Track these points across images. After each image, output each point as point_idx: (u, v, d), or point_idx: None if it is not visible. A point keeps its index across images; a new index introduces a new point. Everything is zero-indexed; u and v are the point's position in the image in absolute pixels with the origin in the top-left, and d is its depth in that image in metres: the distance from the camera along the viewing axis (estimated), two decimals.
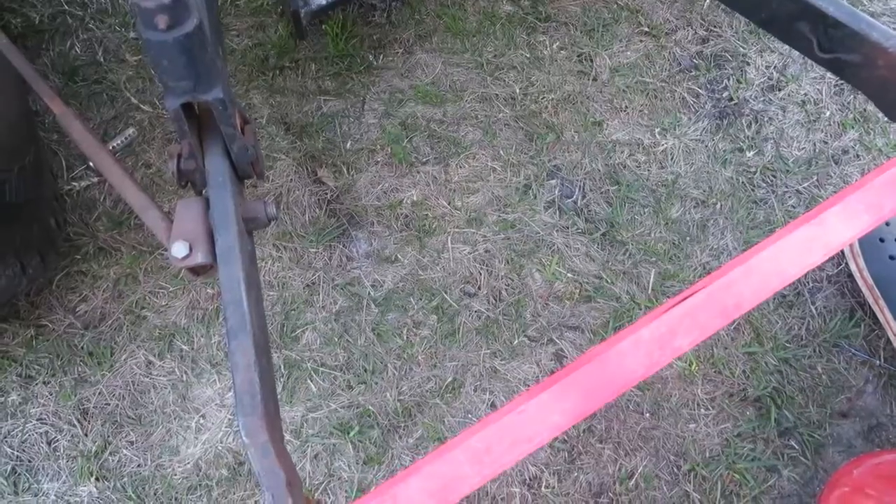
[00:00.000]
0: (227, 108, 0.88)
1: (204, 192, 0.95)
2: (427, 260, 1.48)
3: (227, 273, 0.84)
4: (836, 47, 1.05)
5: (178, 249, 0.85)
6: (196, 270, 0.89)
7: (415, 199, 1.53)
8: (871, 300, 1.42)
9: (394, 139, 1.57)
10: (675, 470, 1.33)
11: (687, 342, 0.82)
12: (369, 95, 1.62)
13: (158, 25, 0.77)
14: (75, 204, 1.50)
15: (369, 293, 1.45)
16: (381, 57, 1.66)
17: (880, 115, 1.58)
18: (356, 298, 1.44)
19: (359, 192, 1.53)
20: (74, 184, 1.51)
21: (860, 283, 1.44)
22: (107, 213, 1.49)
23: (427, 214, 1.52)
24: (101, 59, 1.63)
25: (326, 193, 1.53)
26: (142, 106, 1.58)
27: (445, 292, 1.45)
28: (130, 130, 1.54)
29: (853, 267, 1.44)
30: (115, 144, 1.52)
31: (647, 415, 1.38)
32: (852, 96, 1.61)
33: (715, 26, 1.69)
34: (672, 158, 1.57)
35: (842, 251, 1.49)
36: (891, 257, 1.39)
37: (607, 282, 1.47)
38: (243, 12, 1.71)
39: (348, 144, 1.57)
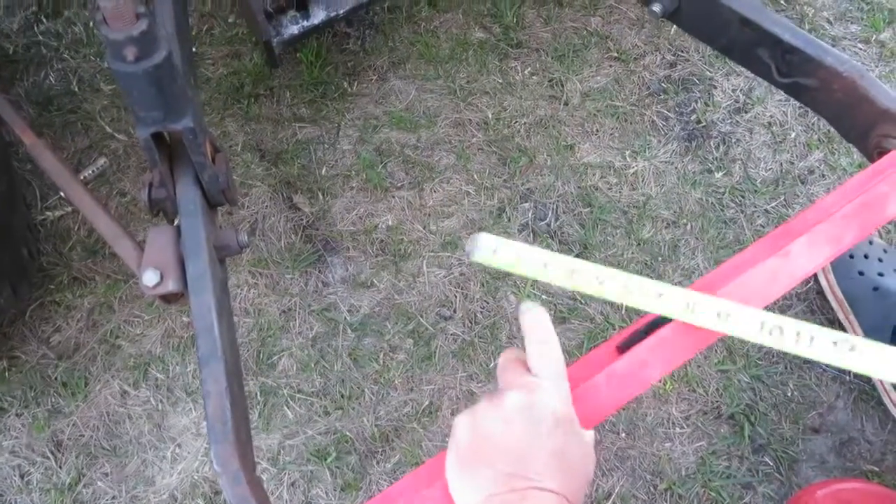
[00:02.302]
0: (196, 137, 0.89)
1: (176, 220, 0.95)
2: (402, 284, 1.49)
3: (197, 301, 0.84)
4: (793, 72, 1.08)
5: (149, 277, 0.86)
6: (168, 298, 0.89)
7: (390, 223, 1.55)
8: (841, 316, 1.45)
9: (369, 165, 1.59)
10: (652, 489, 1.34)
11: (658, 373, 0.84)
12: (344, 122, 1.64)
13: (127, 57, 0.78)
14: (49, 233, 1.49)
15: (345, 318, 1.45)
16: (356, 84, 1.68)
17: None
18: (332, 324, 1.44)
19: (334, 218, 1.54)
20: (48, 213, 1.51)
21: (831, 298, 1.46)
22: (81, 242, 1.49)
23: (402, 239, 1.53)
24: (76, 89, 1.64)
25: (302, 219, 1.54)
26: (116, 135, 1.59)
27: (421, 316, 1.46)
28: (102, 160, 1.54)
29: (823, 283, 1.47)
30: (86, 174, 1.52)
31: (623, 434, 1.39)
32: (816, 118, 1.65)
33: (682, 51, 1.73)
34: (643, 180, 1.60)
35: None
36: (860, 273, 1.42)
37: (581, 303, 1.48)
38: (218, 41, 1.72)
39: (323, 170, 1.59)
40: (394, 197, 1.57)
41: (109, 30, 0.77)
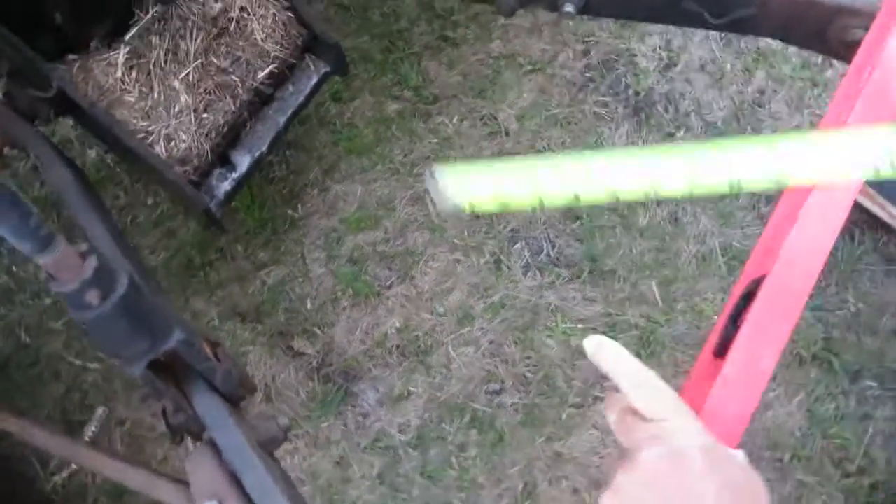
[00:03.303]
0: (193, 345, 0.80)
1: (205, 436, 0.85)
2: (439, 379, 1.40)
3: None
4: (728, 9, 1.04)
5: None
6: None
7: (398, 325, 1.46)
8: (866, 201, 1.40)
9: (349, 279, 1.51)
10: (778, 464, 1.26)
11: (772, 359, 0.77)
12: (305, 248, 1.56)
13: (92, 302, 0.69)
14: (66, 497, 1.36)
15: (400, 440, 1.35)
16: (300, 206, 1.60)
17: (776, 45, 1.61)
18: (390, 452, 1.34)
19: (341, 346, 1.45)
20: (56, 478, 1.38)
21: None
22: (103, 491, 1.36)
23: (416, 335, 1.44)
24: (27, 340, 1.52)
25: (311, 362, 1.44)
26: (89, 366, 1.47)
27: (472, 401, 1.37)
28: (100, 411, 1.42)
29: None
30: (90, 433, 1.39)
31: None
32: (741, 41, 1.63)
33: (589, 36, 1.71)
34: None
35: None
36: None
37: (618, 315, 1.41)
38: (145, 228, 1.63)
39: (308, 304, 1.50)
40: (388, 298, 1.49)
41: (61, 283, 0.68)
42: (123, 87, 1.05)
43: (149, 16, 1.08)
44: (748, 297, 0.86)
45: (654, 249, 1.46)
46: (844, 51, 1.02)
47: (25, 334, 1.53)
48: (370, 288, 1.49)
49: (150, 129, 1.06)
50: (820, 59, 1.58)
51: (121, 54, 1.06)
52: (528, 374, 1.38)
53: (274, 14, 1.14)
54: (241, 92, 1.13)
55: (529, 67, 1.69)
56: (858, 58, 0.94)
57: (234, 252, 1.57)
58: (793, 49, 1.60)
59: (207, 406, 0.83)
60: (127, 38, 1.07)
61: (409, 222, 1.55)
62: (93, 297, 0.69)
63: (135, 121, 1.05)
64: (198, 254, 1.57)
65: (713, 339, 0.86)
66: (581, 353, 1.37)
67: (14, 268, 1.61)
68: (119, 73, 1.05)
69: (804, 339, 1.34)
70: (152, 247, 1.59)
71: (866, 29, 0.98)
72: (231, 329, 1.49)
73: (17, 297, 1.58)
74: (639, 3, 1.07)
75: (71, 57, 1.05)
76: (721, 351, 0.84)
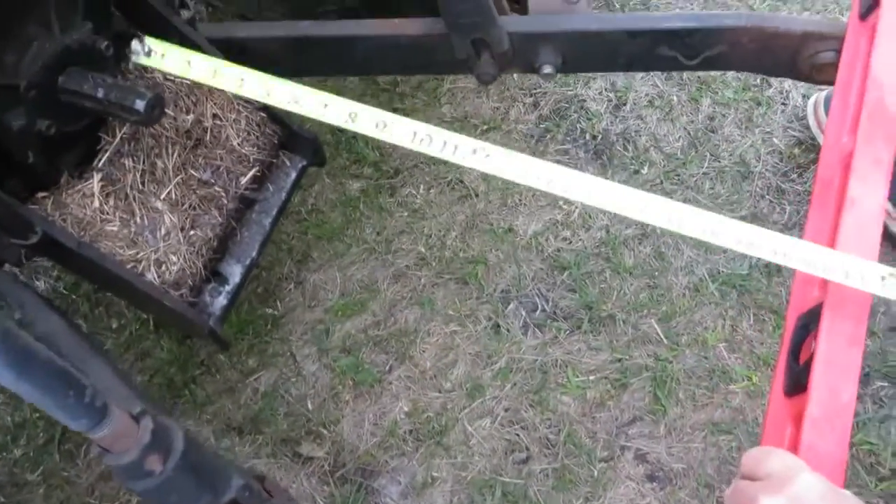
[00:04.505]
0: (252, 489, 0.73)
1: None
2: (461, 458, 1.34)
3: None
4: (699, 50, 1.08)
5: None
6: None
7: (406, 409, 1.40)
8: None
9: (346, 369, 1.44)
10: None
11: (851, 386, 0.76)
12: (294, 346, 1.49)
13: (154, 470, 0.62)
14: None
15: None
16: (279, 303, 1.54)
17: (715, 73, 1.67)
18: None
19: (352, 442, 1.38)
20: None
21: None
22: None
23: (427, 416, 1.39)
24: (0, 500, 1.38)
25: (322, 465, 1.36)
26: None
27: (500, 475, 1.32)
28: None
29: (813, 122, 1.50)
30: None
31: None
32: (682, 75, 1.69)
33: (535, 88, 1.73)
34: (590, 216, 1.55)
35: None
36: None
37: (627, 359, 1.40)
38: (115, 354, 1.52)
39: (308, 405, 1.42)
40: (391, 383, 1.43)
41: (118, 455, 0.61)
42: (103, 217, 0.98)
43: (118, 138, 1.01)
44: (804, 328, 0.86)
45: (646, 287, 1.47)
46: (816, 73, 1.07)
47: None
48: (369, 376, 1.43)
49: (139, 256, 0.99)
50: (758, 79, 1.65)
51: (95, 183, 0.99)
52: (551, 436, 1.35)
53: (247, 116, 1.10)
54: (226, 201, 1.08)
55: (484, 127, 1.69)
56: (842, 76, 0.98)
57: (218, 363, 1.48)
58: (731, 74, 1.67)
59: None
60: (98, 164, 1.00)
61: (396, 301, 1.51)
62: (154, 462, 0.62)
63: (121, 250, 0.98)
64: (178, 371, 1.48)
65: (779, 378, 0.85)
66: (599, 404, 1.35)
67: None
68: (97, 204, 0.98)
69: None
70: (127, 372, 1.48)
71: (836, 51, 1.02)
72: (229, 445, 1.40)
73: None
74: (616, 56, 1.09)
75: (41, 194, 0.97)
76: (792, 389, 0.83)
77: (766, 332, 1.40)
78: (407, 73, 1.57)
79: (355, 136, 1.68)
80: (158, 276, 1.00)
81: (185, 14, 1.00)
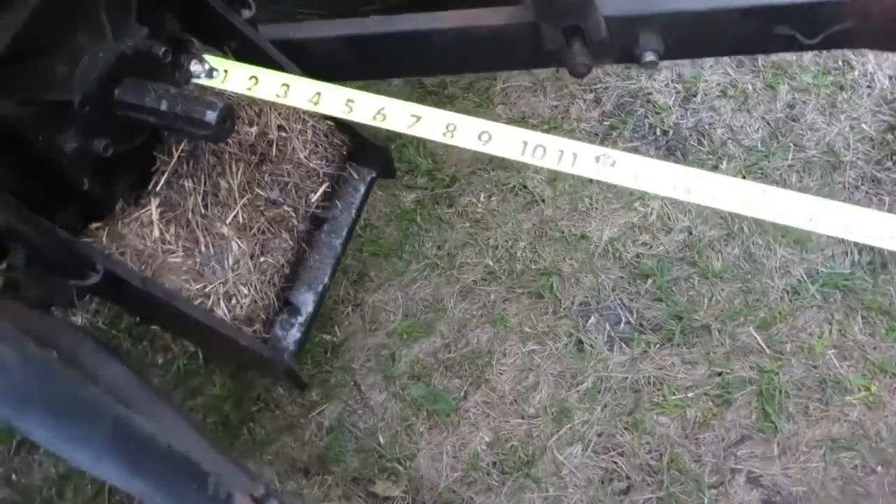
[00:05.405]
0: None
1: None
2: (553, 490, 1.22)
3: None
4: (822, 27, 0.95)
5: None
6: None
7: (487, 439, 1.28)
8: None
9: (417, 398, 1.32)
10: None
11: None
12: (357, 375, 1.37)
13: None
14: None
15: None
16: (337, 329, 1.42)
17: (790, 56, 1.55)
18: None
19: (431, 478, 1.26)
20: None
21: None
22: None
23: (512, 445, 1.27)
24: None
25: None
26: None
27: None
28: None
29: None
30: None
31: (880, 468, 1.18)
32: (753, 60, 1.57)
33: (595, 83, 1.61)
34: (669, 217, 1.43)
35: None
36: None
37: (727, 372, 1.28)
38: (164, 388, 1.40)
39: (380, 439, 1.30)
40: (467, 411, 1.31)
41: None
42: (165, 247, 0.86)
43: (175, 158, 0.90)
44: None
45: (739, 292, 1.34)
46: None
47: None
48: (444, 404, 1.31)
49: (207, 290, 0.87)
50: (839, 61, 1.53)
51: (153, 209, 0.87)
52: (652, 462, 1.22)
53: (313, 126, 0.98)
54: (296, 222, 0.96)
55: (545, 127, 1.57)
56: None
57: (277, 397, 1.36)
58: (808, 56, 1.55)
59: None
60: (156, 187, 0.88)
61: (466, 320, 1.39)
62: None
63: (187, 285, 0.86)
64: (233, 409, 1.36)
65: None
66: (701, 424, 1.23)
67: (14, 476, 1.35)
68: (157, 232, 0.86)
69: None
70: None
71: None
72: (296, 488, 1.28)
73: None
74: (723, 38, 0.97)
75: (94, 226, 0.86)
76: None
77: (878, 336, 1.28)
78: (486, 70, 1.46)
79: (405, 143, 1.56)
80: (229, 312, 0.88)
81: (246, 13, 0.88)
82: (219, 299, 0.88)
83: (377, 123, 0.75)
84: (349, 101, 0.74)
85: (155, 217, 0.87)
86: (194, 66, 0.80)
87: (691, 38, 0.97)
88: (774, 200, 0.69)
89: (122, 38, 0.77)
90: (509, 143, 0.73)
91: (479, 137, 0.72)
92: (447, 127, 0.73)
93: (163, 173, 0.90)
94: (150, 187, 0.90)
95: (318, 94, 0.75)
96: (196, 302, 0.86)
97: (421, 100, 1.63)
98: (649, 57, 0.96)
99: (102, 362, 0.80)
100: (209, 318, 0.85)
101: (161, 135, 0.91)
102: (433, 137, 0.74)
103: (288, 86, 0.76)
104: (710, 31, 0.97)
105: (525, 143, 0.72)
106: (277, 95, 0.77)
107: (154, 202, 0.88)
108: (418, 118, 0.73)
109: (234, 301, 0.89)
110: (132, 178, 0.89)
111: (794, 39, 0.97)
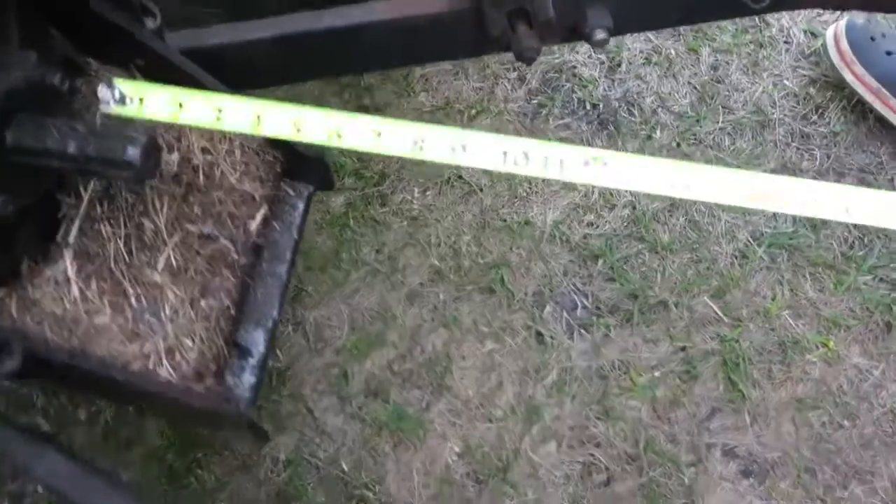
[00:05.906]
0: None
1: None
2: (532, 493, 1.18)
3: None
4: None
5: None
6: None
7: (457, 450, 1.22)
8: (877, 105, 1.35)
9: (379, 417, 1.24)
10: None
11: None
12: (309, 400, 1.27)
13: None
14: None
15: None
16: (279, 353, 1.30)
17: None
18: None
19: (403, 500, 1.18)
20: None
21: (861, 90, 1.36)
22: None
23: (484, 452, 1.21)
24: None
25: None
26: None
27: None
28: None
29: (849, 77, 1.37)
30: None
31: (846, 422, 1.19)
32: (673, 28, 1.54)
33: (518, 61, 1.54)
34: (611, 194, 1.39)
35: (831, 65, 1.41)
36: (888, 53, 1.34)
37: (690, 346, 1.26)
38: (92, 450, 1.25)
39: (343, 464, 1.21)
40: (432, 422, 1.24)
41: None
42: (88, 307, 0.74)
43: (85, 200, 0.77)
44: None
45: (690, 263, 1.33)
46: None
47: None
48: (407, 418, 1.24)
49: (145, 349, 0.75)
50: (756, 19, 1.52)
51: (68, 264, 0.74)
52: (629, 449, 1.19)
53: (241, 144, 0.86)
54: (236, 256, 0.84)
55: (472, 112, 1.50)
56: None
57: (223, 438, 1.24)
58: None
59: None
60: (68, 237, 0.75)
61: (418, 326, 1.31)
62: None
63: (122, 347, 0.74)
64: (177, 457, 1.23)
65: None
66: (671, 402, 1.21)
67: None
68: (76, 292, 0.73)
69: (878, 305, 1.26)
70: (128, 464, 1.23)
71: None
72: None
73: None
74: (673, 9, 0.92)
75: None
76: None
77: (827, 292, 1.29)
78: (427, 62, 1.36)
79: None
80: (174, 370, 0.77)
81: (151, 24, 0.76)
82: (160, 358, 0.76)
83: (333, 144, 0.66)
84: (296, 120, 0.64)
85: (71, 273, 0.74)
86: (102, 93, 0.67)
87: (642, 11, 0.92)
88: (785, 187, 0.64)
89: (7, 70, 0.64)
90: (487, 152, 0.65)
91: (453, 150, 0.64)
92: (415, 142, 0.64)
93: (73, 219, 0.77)
94: (59, 237, 0.77)
95: (258, 116, 0.65)
96: (135, 366, 0.74)
97: (338, 94, 1.53)
98: (600, 35, 0.90)
99: (38, 453, 0.68)
100: (152, 382, 0.74)
101: (63, 174, 0.77)
102: (401, 154, 0.65)
103: (221, 109, 0.65)
104: (659, 2, 0.91)
105: (505, 154, 0.64)
106: (211, 122, 0.66)
107: (67, 255, 0.75)
108: (379, 133, 0.64)
109: (178, 356, 0.78)
110: (34, 228, 0.75)
111: (743, 4, 0.93)
